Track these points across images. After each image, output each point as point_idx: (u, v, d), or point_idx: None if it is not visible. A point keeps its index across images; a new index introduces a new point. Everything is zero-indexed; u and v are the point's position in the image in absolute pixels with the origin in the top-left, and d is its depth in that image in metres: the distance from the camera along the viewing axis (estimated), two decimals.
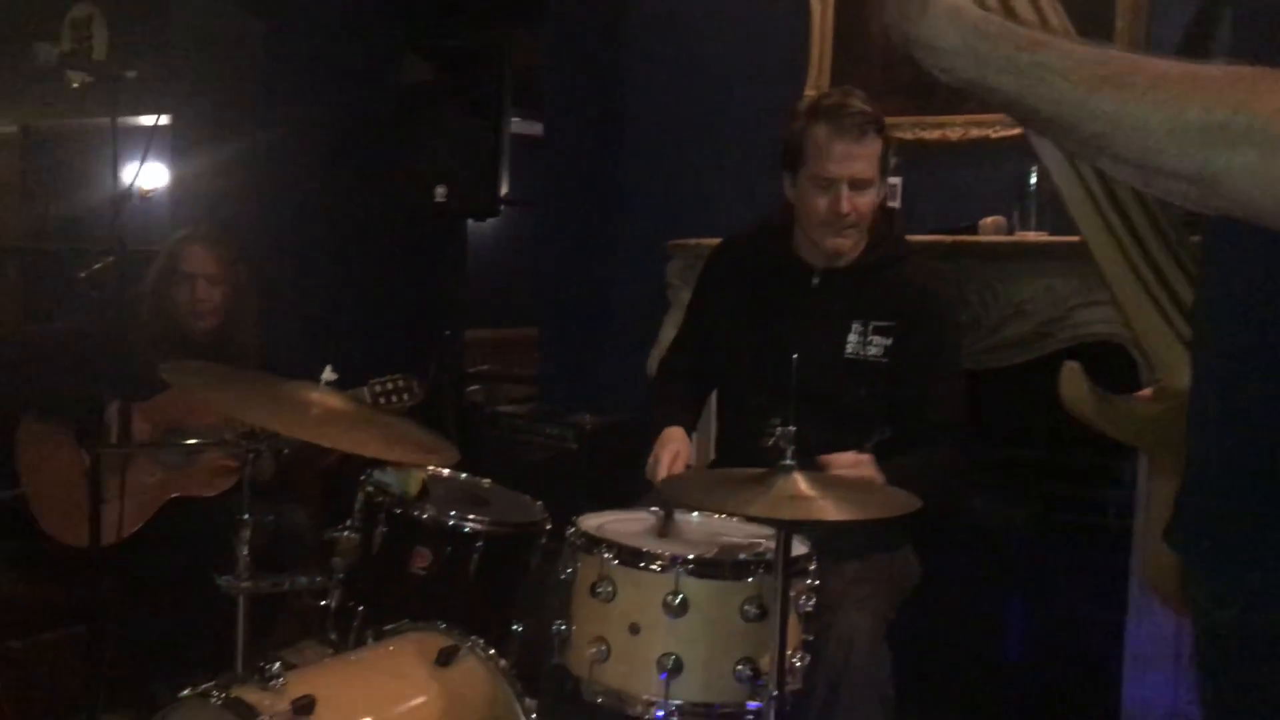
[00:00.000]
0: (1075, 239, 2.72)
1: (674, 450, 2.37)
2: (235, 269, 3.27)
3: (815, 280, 2.48)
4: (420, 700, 2.11)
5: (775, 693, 1.81)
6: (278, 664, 1.97)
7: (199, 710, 1.94)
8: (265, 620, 3.00)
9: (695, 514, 2.20)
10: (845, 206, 2.34)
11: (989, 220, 2.96)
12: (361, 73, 4.60)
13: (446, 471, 2.76)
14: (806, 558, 1.96)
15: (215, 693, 1.92)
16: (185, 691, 1.97)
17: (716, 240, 2.75)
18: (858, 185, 2.34)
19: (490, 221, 4.52)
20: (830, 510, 1.75)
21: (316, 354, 2.36)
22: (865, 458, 2.21)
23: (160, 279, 3.20)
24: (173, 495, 3.02)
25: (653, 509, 2.21)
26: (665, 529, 2.15)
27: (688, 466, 2.40)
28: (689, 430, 2.50)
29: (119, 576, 2.73)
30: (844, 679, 2.11)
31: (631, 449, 3.46)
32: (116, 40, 6.01)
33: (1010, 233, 2.93)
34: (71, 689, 3.11)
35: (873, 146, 2.34)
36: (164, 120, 4.45)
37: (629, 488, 3.24)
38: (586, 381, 3.93)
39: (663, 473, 2.32)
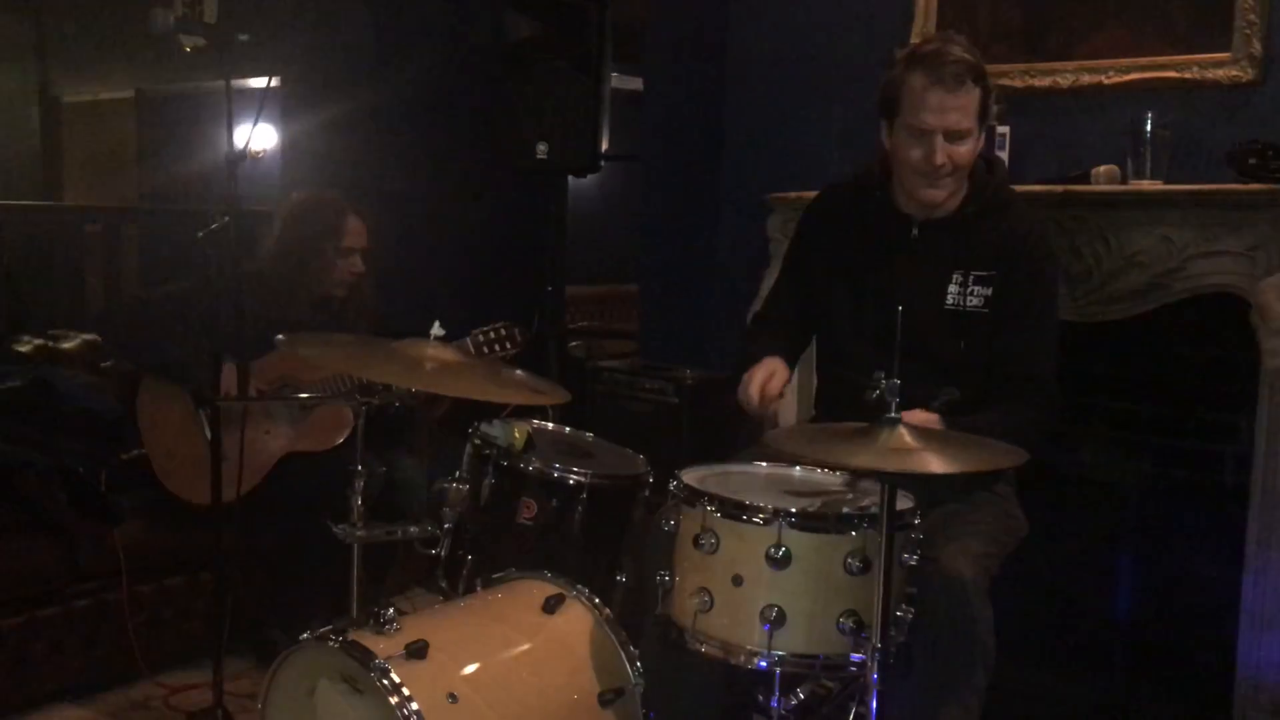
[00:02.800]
0: (1192, 188, 2.68)
1: (769, 370, 2.36)
2: (372, 240, 3.35)
3: (915, 231, 2.44)
4: (527, 646, 2.17)
5: (878, 645, 1.82)
6: (391, 610, 2.05)
7: (319, 652, 2.03)
8: (378, 568, 3.10)
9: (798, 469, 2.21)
10: (940, 158, 2.29)
11: (1101, 169, 2.87)
12: (463, 31, 4.64)
13: (551, 425, 2.81)
14: (910, 511, 1.95)
15: (333, 636, 2.00)
16: (305, 635, 2.05)
17: (816, 193, 2.73)
18: (953, 136, 2.29)
19: (589, 178, 4.54)
20: (935, 463, 1.74)
21: (422, 310, 2.41)
22: (933, 417, 2.17)
23: (315, 246, 3.27)
24: (288, 451, 3.12)
25: (758, 463, 2.22)
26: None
27: (783, 392, 2.38)
28: (788, 364, 2.49)
29: (239, 528, 2.83)
30: (946, 632, 2.10)
31: (732, 403, 3.48)
32: (225, 4, 6.15)
33: (1124, 182, 2.85)
34: (196, 631, 3.27)
35: (970, 96, 2.29)
36: (274, 83, 4.55)
37: (730, 441, 3.26)
38: (687, 336, 3.93)
39: (755, 390, 2.31)
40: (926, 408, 2.15)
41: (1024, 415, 2.31)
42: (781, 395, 2.41)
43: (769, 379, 2.35)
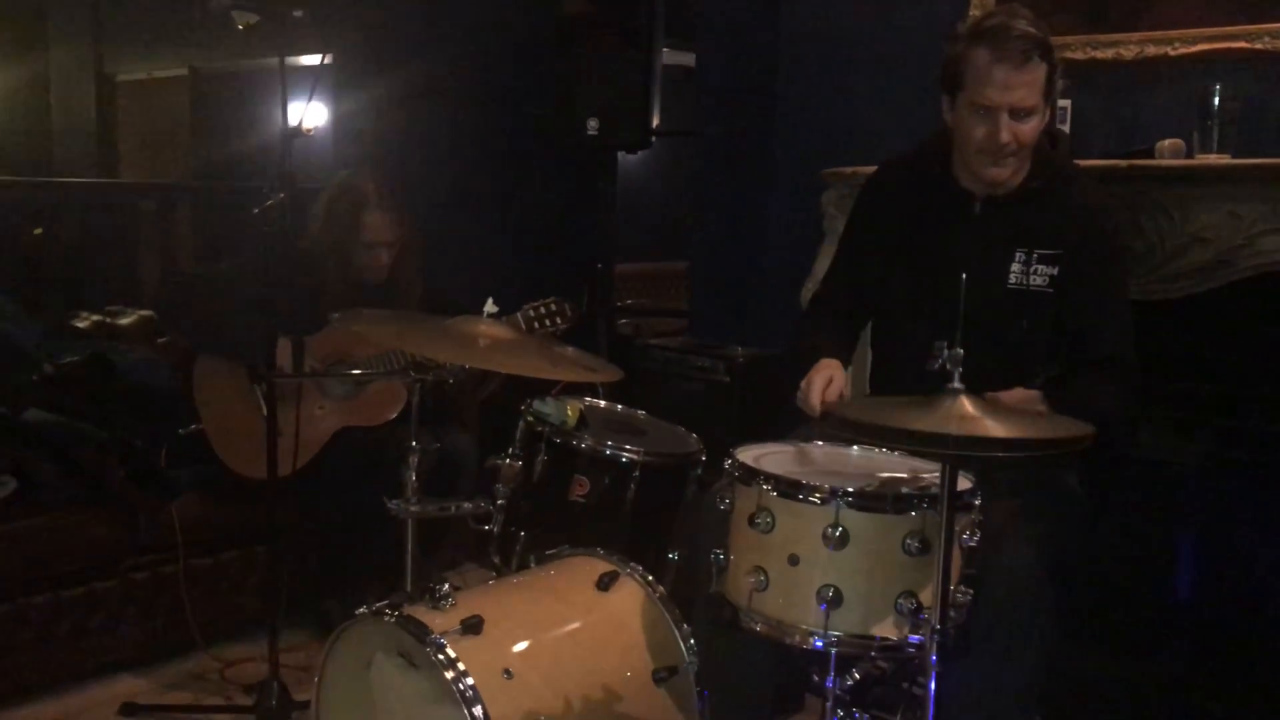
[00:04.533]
0: (1262, 162, 2.60)
1: (826, 377, 2.31)
2: (405, 226, 3.35)
3: (976, 208, 2.40)
4: (581, 623, 2.17)
5: (938, 627, 1.79)
6: (446, 585, 2.05)
7: (375, 627, 2.04)
8: (430, 543, 3.12)
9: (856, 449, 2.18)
10: (1005, 136, 2.24)
11: (1166, 143, 2.80)
12: (515, 7, 4.62)
13: (603, 403, 2.80)
14: (971, 492, 1.91)
15: (389, 611, 2.01)
16: (361, 609, 2.07)
17: (873, 169, 2.68)
18: (1018, 114, 2.24)
19: (638, 155, 4.51)
20: (999, 430, 1.69)
21: (473, 287, 2.41)
22: (1034, 394, 2.14)
23: (339, 236, 3.27)
24: (341, 426, 3.14)
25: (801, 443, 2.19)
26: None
27: (841, 396, 2.34)
28: (844, 364, 2.45)
29: (294, 502, 2.86)
30: (1006, 614, 2.07)
31: (783, 382, 3.45)
32: None
33: (1189, 156, 2.78)
34: (252, 605, 3.31)
35: (1036, 72, 2.23)
36: (327, 60, 4.56)
37: (781, 420, 3.23)
38: (737, 314, 3.91)
39: (815, 398, 2.26)
40: (1028, 384, 2.12)
41: (1108, 396, 2.27)
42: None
43: (827, 386, 2.28)
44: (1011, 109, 2.23)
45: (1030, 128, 2.27)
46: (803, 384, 2.31)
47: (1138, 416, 1.83)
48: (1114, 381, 2.31)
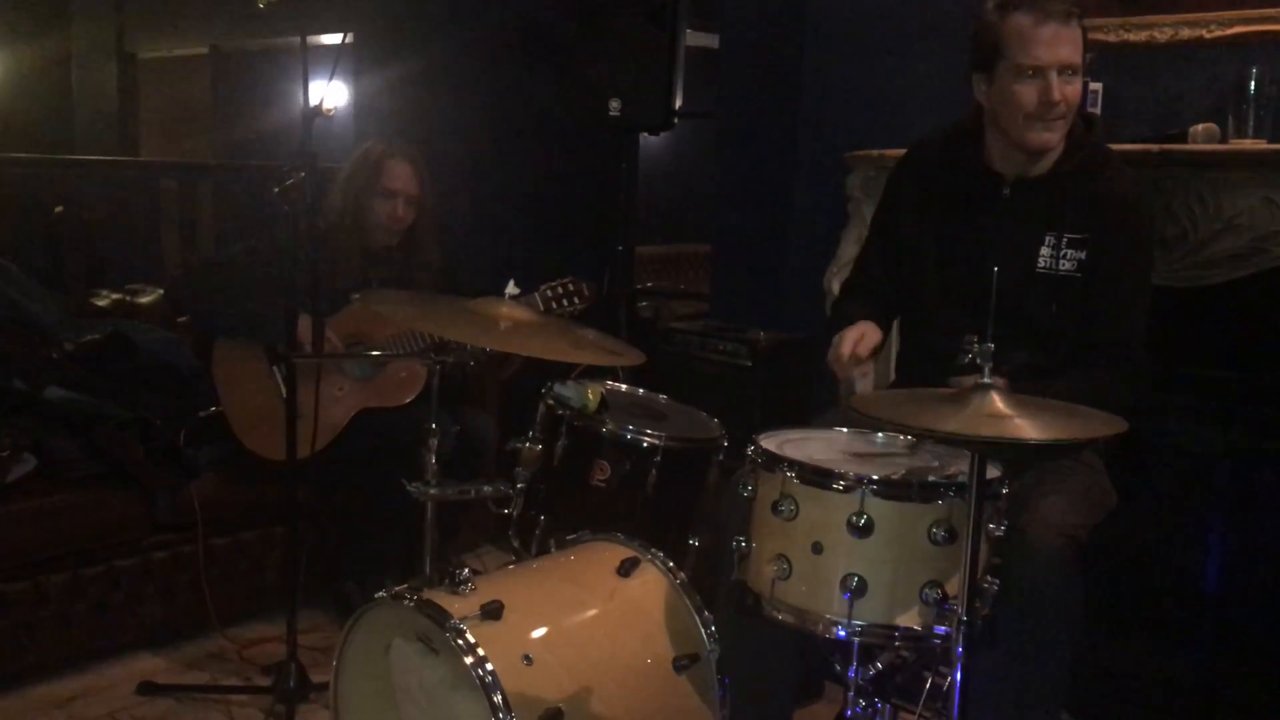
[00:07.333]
0: None
1: (859, 331, 2.28)
2: (425, 187, 3.32)
3: (1006, 190, 2.36)
4: (602, 609, 2.15)
5: (964, 618, 1.77)
6: (466, 570, 2.04)
7: (394, 611, 2.03)
8: (449, 525, 3.11)
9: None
10: (1057, 94, 2.21)
11: (1200, 127, 2.75)
12: None
13: (624, 386, 2.78)
14: (999, 481, 1.88)
15: (409, 596, 1.99)
16: (380, 593, 2.05)
17: (899, 152, 2.64)
18: (1066, 72, 2.22)
19: (660, 136, 4.46)
20: (1030, 430, 1.66)
21: (493, 268, 2.38)
22: (999, 382, 2.09)
23: (359, 191, 3.25)
24: (361, 408, 3.12)
25: (838, 428, 2.16)
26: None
27: (875, 352, 2.29)
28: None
29: (314, 483, 2.85)
30: (1032, 604, 2.04)
31: (807, 366, 3.42)
32: None
33: (1224, 140, 2.73)
34: (271, 585, 3.31)
35: (1077, 32, 2.23)
36: (349, 39, 4.54)
37: (804, 405, 3.20)
38: (759, 298, 3.87)
39: (847, 348, 2.24)
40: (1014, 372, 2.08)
41: (1104, 382, 2.22)
42: (873, 357, 2.31)
43: (860, 339, 2.27)
44: (1060, 67, 2.21)
45: (1076, 89, 2.25)
46: (835, 338, 2.28)
47: (1130, 407, 1.77)
48: (1108, 370, 2.26)
